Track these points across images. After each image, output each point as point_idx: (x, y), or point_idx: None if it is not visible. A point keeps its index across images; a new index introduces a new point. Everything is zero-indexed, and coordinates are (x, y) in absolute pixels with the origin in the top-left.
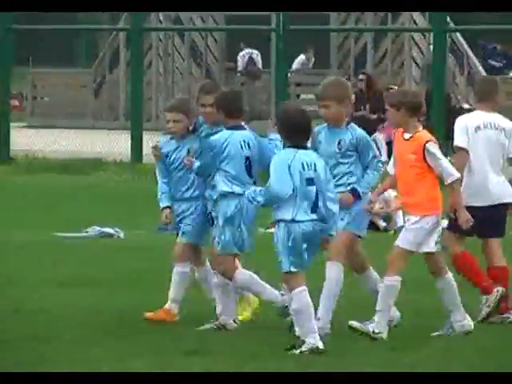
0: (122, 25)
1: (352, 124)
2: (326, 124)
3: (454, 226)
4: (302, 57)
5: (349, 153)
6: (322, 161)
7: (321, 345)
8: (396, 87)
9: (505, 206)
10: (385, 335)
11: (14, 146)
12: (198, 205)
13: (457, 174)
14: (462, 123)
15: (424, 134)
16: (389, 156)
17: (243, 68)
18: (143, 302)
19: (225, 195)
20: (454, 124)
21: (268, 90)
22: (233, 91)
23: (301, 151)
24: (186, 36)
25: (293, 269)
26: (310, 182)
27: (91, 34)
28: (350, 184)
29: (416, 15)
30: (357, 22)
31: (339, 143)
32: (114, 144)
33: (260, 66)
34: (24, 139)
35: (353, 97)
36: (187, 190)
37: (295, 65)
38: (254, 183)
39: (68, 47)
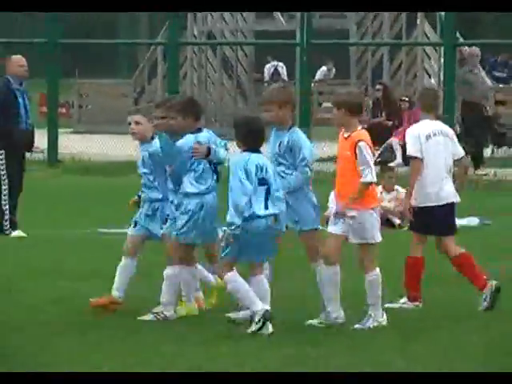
0: (160, 39)
1: (294, 128)
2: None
3: (414, 227)
4: (323, 68)
5: (286, 155)
6: (270, 163)
7: (267, 307)
8: (407, 99)
9: (452, 205)
10: (384, 322)
11: (62, 149)
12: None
13: (369, 180)
14: (414, 133)
15: (360, 133)
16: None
17: (269, 79)
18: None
19: (188, 195)
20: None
21: None
22: (187, 98)
23: (253, 155)
24: (217, 49)
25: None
26: (262, 181)
27: (131, 48)
28: None
29: (428, 30)
30: (374, 36)
31: (279, 145)
32: None
33: (285, 77)
34: (71, 143)
35: (294, 103)
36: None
37: (318, 75)
38: (217, 180)
39: (110, 60)
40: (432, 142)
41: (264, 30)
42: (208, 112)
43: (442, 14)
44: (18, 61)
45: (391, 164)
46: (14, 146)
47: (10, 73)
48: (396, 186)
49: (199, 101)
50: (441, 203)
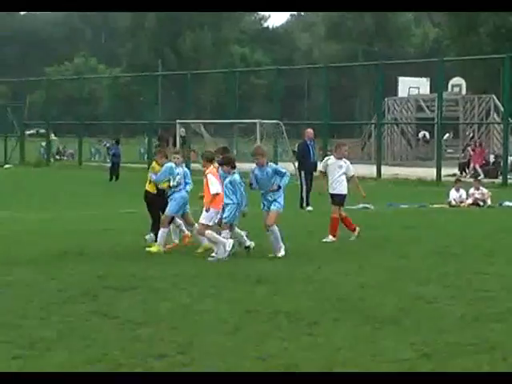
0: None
1: (269, 163)
2: (257, 166)
3: (333, 201)
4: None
5: (271, 176)
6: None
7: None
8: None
9: (341, 195)
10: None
11: None
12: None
13: (213, 192)
14: (325, 160)
15: (211, 170)
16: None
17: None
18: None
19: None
20: None
21: None
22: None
23: (236, 173)
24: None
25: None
26: (240, 186)
27: None
28: (279, 188)
29: (496, 116)
30: (467, 119)
31: (267, 174)
32: None
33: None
34: None
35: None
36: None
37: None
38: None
39: None
40: (331, 166)
41: (420, 117)
42: None
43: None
44: None
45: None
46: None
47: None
48: (481, 187)
49: None
50: (335, 192)
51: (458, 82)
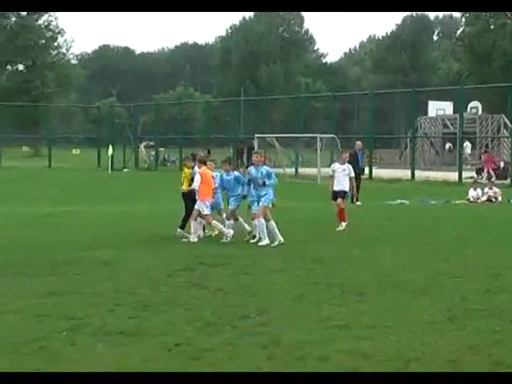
0: None
1: (265, 166)
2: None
3: (339, 196)
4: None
5: (264, 176)
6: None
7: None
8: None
9: (343, 191)
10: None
11: None
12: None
13: (194, 186)
14: (332, 167)
15: (202, 170)
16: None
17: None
18: None
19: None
20: None
21: None
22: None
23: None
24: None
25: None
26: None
27: None
28: (264, 184)
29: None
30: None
31: (261, 173)
32: None
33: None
34: None
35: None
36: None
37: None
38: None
39: None
40: (338, 169)
41: (445, 132)
42: None
43: None
44: None
45: (492, 179)
46: None
47: None
48: (493, 187)
49: None
50: (338, 189)
51: (475, 105)
